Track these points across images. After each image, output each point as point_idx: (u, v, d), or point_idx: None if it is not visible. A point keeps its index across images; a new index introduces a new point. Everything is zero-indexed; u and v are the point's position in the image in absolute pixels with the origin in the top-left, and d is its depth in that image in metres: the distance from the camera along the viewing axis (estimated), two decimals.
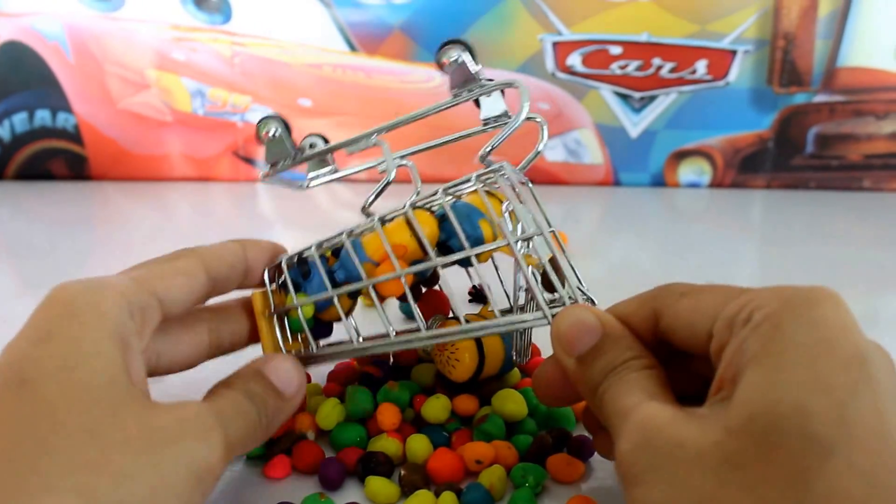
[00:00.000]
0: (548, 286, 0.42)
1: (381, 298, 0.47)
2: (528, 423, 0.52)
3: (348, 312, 0.50)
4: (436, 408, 0.52)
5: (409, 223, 0.47)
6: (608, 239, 1.03)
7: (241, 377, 0.43)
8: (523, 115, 0.47)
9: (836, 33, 1.12)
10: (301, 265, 0.49)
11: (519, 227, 0.44)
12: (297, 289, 0.49)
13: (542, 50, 1.13)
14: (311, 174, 0.52)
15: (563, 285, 0.41)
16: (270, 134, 0.51)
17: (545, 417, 0.54)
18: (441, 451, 0.49)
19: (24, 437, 0.32)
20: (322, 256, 0.49)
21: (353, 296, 0.50)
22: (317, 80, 1.12)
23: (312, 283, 0.49)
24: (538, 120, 0.50)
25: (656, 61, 1.13)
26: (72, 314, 0.36)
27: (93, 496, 0.32)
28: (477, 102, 0.50)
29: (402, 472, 0.47)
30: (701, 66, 1.14)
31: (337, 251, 0.49)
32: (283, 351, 0.48)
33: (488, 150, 0.48)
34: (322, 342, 0.50)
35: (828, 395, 0.29)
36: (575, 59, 1.14)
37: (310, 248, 0.49)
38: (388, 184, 0.48)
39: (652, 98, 1.16)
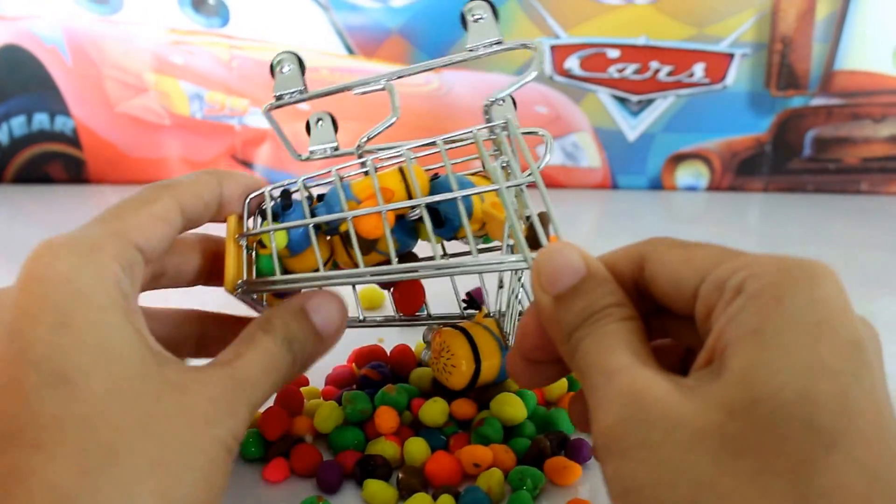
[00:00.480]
0: (532, 243, 0.40)
1: (362, 243, 0.46)
2: (526, 427, 0.52)
3: (326, 263, 0.49)
4: (434, 411, 0.52)
5: (401, 172, 0.46)
6: (606, 242, 1.02)
7: (281, 317, 0.41)
8: (533, 74, 0.46)
9: (833, 37, 1.13)
10: (284, 198, 0.48)
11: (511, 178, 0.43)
12: (275, 219, 0.48)
13: (540, 52, 1.13)
14: (313, 147, 0.52)
15: (548, 238, 0.40)
16: (284, 70, 0.51)
17: (543, 421, 0.54)
18: (439, 454, 0.49)
19: (88, 443, 0.32)
20: (308, 198, 0.48)
21: (332, 235, 0.49)
22: (314, 84, 1.11)
23: (291, 215, 0.47)
24: (541, 134, 0.50)
25: (654, 65, 1.14)
26: (80, 293, 0.34)
27: (167, 496, 0.32)
28: (464, 24, 0.49)
29: (400, 476, 0.47)
30: (698, 70, 1.14)
31: (323, 196, 0.48)
32: (245, 277, 0.46)
33: (492, 100, 0.47)
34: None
35: (832, 381, 0.27)
36: (573, 63, 1.14)
37: (295, 181, 0.48)
38: (390, 125, 0.48)
39: (649, 101, 1.16)
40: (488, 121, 0.48)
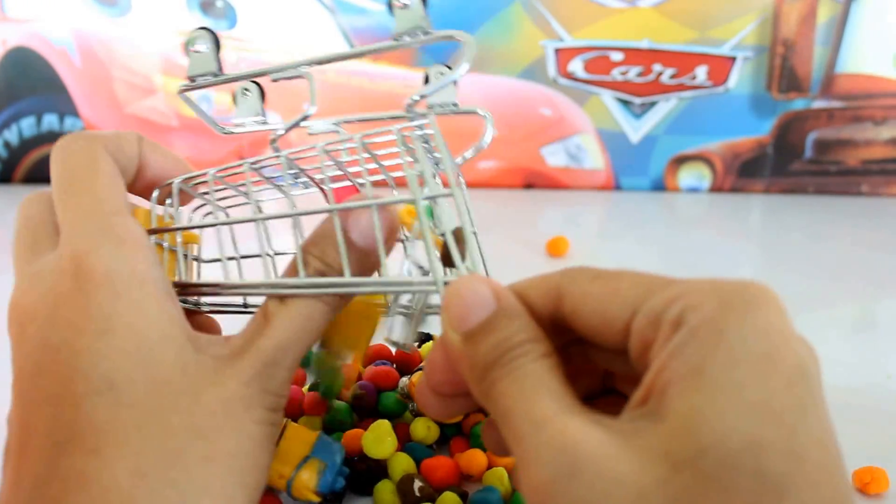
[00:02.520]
0: (447, 261, 0.38)
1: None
2: None
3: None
4: (420, 428, 0.52)
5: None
6: (609, 243, 1.03)
7: (315, 247, 0.40)
8: (462, 72, 0.42)
9: (834, 40, 1.13)
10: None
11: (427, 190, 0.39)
12: None
13: (544, 56, 1.14)
14: (239, 119, 0.49)
15: (463, 259, 0.37)
16: (196, 49, 0.48)
17: None
18: (436, 458, 0.50)
19: (142, 447, 0.33)
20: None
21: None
22: (321, 86, 1.12)
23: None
24: (482, 114, 0.47)
25: (657, 67, 1.14)
26: (118, 296, 0.35)
27: (221, 490, 0.34)
28: (391, 10, 0.46)
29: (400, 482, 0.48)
30: (701, 72, 1.14)
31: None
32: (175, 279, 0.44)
33: (416, 98, 0.44)
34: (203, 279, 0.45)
35: (779, 422, 0.26)
36: (576, 65, 1.14)
37: (205, 172, 0.46)
38: (305, 117, 0.46)
39: (652, 104, 1.16)
40: (409, 117, 0.45)
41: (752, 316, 0.28)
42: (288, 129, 0.46)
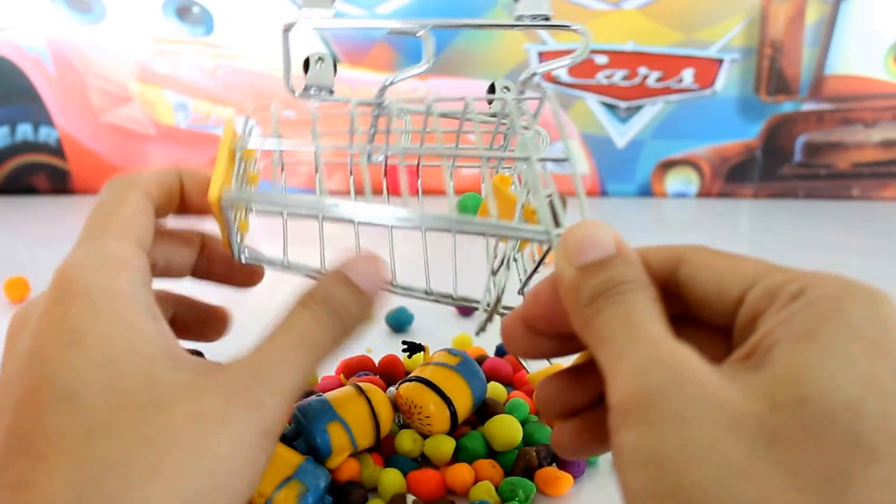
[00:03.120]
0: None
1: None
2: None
3: None
4: (406, 440, 0.51)
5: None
6: None
7: (320, 285, 0.41)
8: (583, 55, 0.46)
9: (823, 41, 1.13)
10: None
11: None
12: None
13: (527, 59, 1.13)
14: (309, 83, 0.51)
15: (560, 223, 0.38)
16: (320, 61, 0.50)
17: (527, 435, 0.53)
18: (424, 470, 0.49)
19: (84, 455, 0.33)
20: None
21: None
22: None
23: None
24: (575, 28, 0.48)
25: (642, 70, 1.13)
26: (94, 310, 0.36)
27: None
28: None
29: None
30: (688, 75, 1.14)
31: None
32: (231, 187, 0.44)
33: (531, 74, 0.47)
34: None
35: (882, 400, 0.27)
36: (560, 69, 1.13)
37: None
38: (421, 72, 0.48)
39: (638, 108, 1.15)
40: (521, 93, 0.48)
41: (871, 304, 0.29)
42: (399, 81, 0.49)
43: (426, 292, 0.49)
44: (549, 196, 0.39)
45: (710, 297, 0.33)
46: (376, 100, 0.49)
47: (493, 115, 0.51)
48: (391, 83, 0.48)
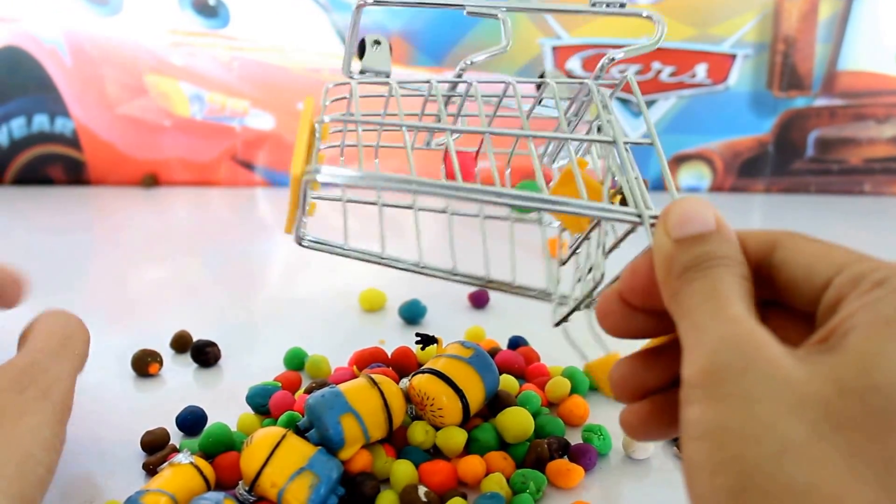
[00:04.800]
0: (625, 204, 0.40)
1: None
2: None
3: None
4: (418, 432, 0.51)
5: None
6: None
7: None
8: (654, 46, 0.47)
9: (836, 37, 1.12)
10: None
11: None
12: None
13: (541, 54, 1.13)
14: (366, 66, 0.51)
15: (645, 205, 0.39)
16: (377, 44, 0.51)
17: (539, 428, 0.53)
18: (436, 462, 0.49)
19: None
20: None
21: None
22: (315, 85, 1.12)
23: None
24: (647, 15, 0.51)
25: (656, 65, 1.13)
26: None
27: None
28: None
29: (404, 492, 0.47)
30: (701, 70, 1.13)
31: None
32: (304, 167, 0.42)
33: (610, 59, 0.49)
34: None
35: None
36: (574, 63, 1.13)
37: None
38: (498, 53, 0.50)
39: (651, 102, 1.15)
40: (597, 78, 0.49)
41: None
42: (478, 61, 0.51)
43: (488, 281, 0.49)
44: (637, 178, 0.40)
45: (799, 281, 0.33)
46: (455, 79, 0.49)
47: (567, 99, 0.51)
48: (471, 63, 0.50)
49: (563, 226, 0.48)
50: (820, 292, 0.32)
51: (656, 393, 0.37)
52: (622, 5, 0.47)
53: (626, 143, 0.41)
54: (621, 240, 0.41)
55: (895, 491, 0.25)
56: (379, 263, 0.48)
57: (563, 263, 0.51)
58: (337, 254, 0.49)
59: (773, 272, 0.34)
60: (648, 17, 0.47)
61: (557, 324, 0.46)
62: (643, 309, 0.37)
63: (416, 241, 0.47)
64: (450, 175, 0.49)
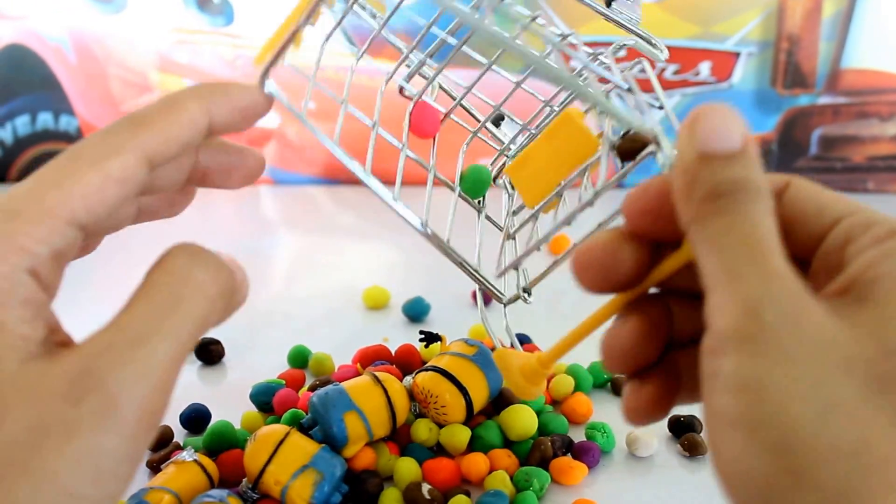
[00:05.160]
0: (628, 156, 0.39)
1: None
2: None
3: None
4: (422, 429, 0.51)
5: None
6: None
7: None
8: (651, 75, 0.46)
9: (840, 35, 1.12)
10: None
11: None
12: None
13: (545, 52, 1.13)
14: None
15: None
16: None
17: (542, 425, 0.54)
18: (439, 460, 0.49)
19: None
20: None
21: None
22: (323, 83, 1.11)
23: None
24: (655, 45, 0.51)
25: (660, 63, 1.13)
26: None
27: None
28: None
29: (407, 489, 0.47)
30: (704, 68, 1.13)
31: None
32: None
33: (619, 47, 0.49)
34: None
35: None
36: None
37: None
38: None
39: (656, 100, 1.15)
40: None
41: None
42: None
43: (448, 248, 0.47)
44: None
45: (809, 215, 0.31)
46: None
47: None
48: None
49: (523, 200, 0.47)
50: (828, 229, 0.31)
51: (653, 368, 0.34)
52: (637, 23, 0.47)
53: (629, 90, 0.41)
54: (637, 161, 0.41)
55: None
56: (331, 151, 0.47)
57: (511, 237, 0.51)
58: (294, 114, 0.47)
59: (783, 208, 0.32)
60: (653, 45, 0.46)
61: (498, 276, 0.46)
62: (646, 235, 0.33)
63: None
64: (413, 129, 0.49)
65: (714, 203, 0.30)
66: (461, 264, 0.46)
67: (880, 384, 0.25)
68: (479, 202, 0.54)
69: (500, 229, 0.53)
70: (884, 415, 0.25)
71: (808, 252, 0.32)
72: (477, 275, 0.47)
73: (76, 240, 0.33)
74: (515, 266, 0.45)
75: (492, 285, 0.46)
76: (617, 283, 0.33)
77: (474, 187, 0.53)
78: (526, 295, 0.45)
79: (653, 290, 0.34)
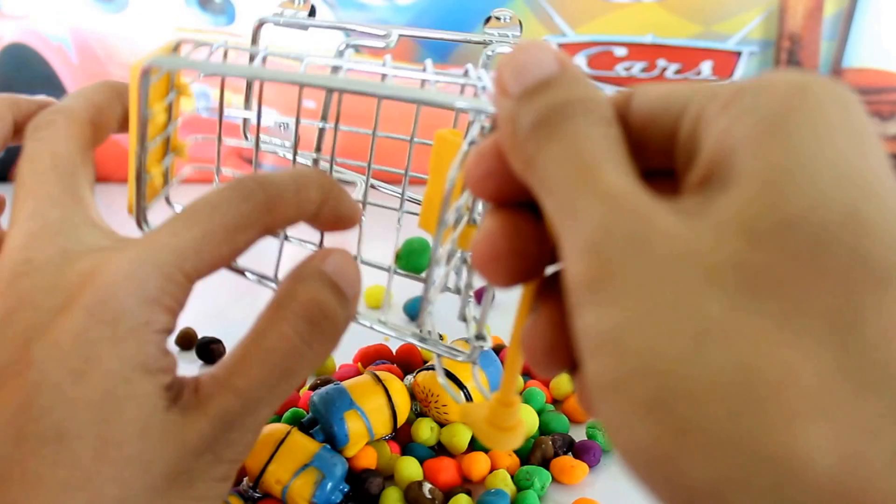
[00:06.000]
0: None
1: None
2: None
3: None
4: (423, 429, 0.51)
5: None
6: None
7: (300, 282, 0.36)
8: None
9: (841, 34, 1.12)
10: None
11: None
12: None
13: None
14: None
15: None
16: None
17: (543, 425, 0.54)
18: (440, 459, 0.49)
19: None
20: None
21: None
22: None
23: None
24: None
25: (661, 62, 1.13)
26: (115, 337, 0.31)
27: None
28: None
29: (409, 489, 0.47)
30: (706, 67, 1.13)
31: None
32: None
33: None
34: None
35: (881, 201, 0.21)
36: (580, 61, 1.13)
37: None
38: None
39: None
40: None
41: (840, 90, 0.23)
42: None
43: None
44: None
45: (658, 117, 0.27)
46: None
47: None
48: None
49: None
50: (678, 120, 0.26)
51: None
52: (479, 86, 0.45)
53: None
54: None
55: (852, 344, 0.20)
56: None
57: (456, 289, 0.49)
58: None
59: (631, 119, 0.27)
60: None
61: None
62: (503, 191, 0.29)
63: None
64: None
65: (536, 136, 0.26)
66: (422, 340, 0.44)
67: (753, 285, 0.21)
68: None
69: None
70: (768, 321, 0.21)
71: (672, 159, 0.27)
72: (436, 347, 0.43)
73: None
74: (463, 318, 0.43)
75: (450, 349, 0.43)
76: (523, 267, 0.28)
77: (414, 262, 0.50)
78: (482, 343, 0.42)
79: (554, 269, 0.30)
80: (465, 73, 0.45)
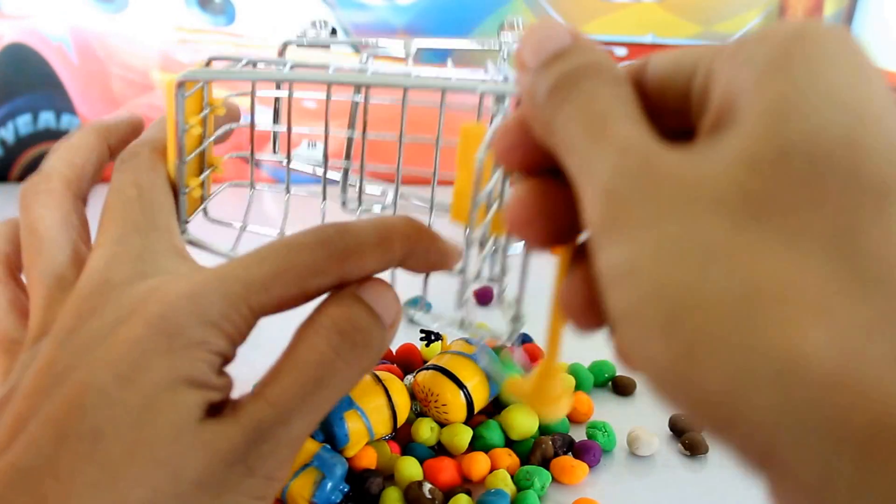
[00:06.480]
0: None
1: None
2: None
3: None
4: (423, 429, 0.52)
5: None
6: None
7: (337, 304, 0.36)
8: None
9: None
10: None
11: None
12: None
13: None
14: None
15: None
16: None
17: (543, 425, 0.54)
18: (440, 459, 0.49)
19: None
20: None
21: None
22: (322, 85, 1.11)
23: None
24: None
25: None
26: (169, 349, 0.32)
27: None
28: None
29: (409, 488, 0.47)
30: None
31: None
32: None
33: None
34: None
35: (879, 124, 0.22)
36: None
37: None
38: None
39: None
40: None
41: (840, 32, 0.24)
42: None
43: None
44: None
45: (671, 79, 0.29)
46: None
47: None
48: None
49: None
50: (690, 79, 0.28)
51: None
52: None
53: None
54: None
55: (853, 259, 0.21)
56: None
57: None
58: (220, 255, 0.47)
59: (647, 87, 0.29)
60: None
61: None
62: (528, 162, 0.31)
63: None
64: None
65: (552, 101, 0.28)
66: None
67: (756, 209, 0.22)
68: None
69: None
70: (772, 242, 0.22)
71: (689, 118, 0.29)
72: (479, 332, 0.44)
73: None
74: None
75: (494, 333, 0.44)
76: (554, 230, 0.30)
77: None
78: (518, 324, 0.43)
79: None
80: (486, 71, 0.46)
